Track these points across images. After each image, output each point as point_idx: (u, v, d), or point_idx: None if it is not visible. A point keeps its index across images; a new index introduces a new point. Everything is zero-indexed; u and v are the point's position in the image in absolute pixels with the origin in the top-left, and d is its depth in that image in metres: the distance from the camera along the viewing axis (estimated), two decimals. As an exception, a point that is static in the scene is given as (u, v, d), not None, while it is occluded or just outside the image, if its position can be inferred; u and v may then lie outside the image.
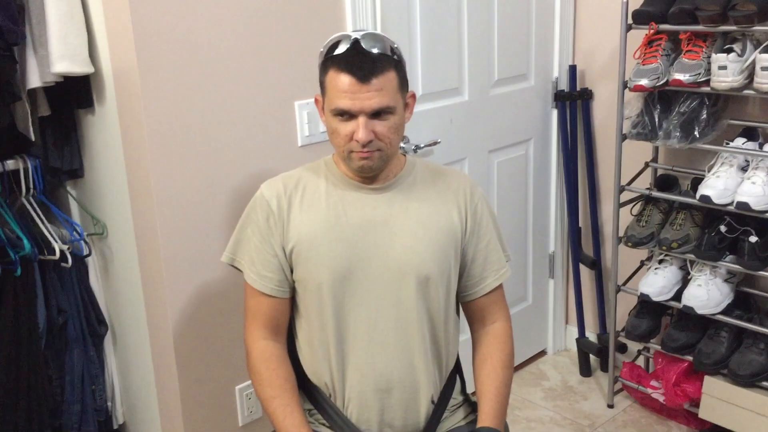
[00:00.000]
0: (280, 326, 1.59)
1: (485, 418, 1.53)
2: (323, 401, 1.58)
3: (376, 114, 1.43)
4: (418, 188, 1.59)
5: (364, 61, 1.41)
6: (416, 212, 1.56)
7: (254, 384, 1.57)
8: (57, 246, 1.97)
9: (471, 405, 1.66)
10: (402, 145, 2.32)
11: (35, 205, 2.00)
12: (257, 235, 1.56)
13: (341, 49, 1.43)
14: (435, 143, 2.43)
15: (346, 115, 1.43)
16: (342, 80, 1.41)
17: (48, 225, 2.01)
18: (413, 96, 1.54)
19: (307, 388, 1.60)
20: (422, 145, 2.38)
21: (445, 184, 1.61)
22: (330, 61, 1.44)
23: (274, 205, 1.55)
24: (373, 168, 1.49)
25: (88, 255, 2.09)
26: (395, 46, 1.47)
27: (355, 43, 1.43)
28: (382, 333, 1.54)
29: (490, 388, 1.57)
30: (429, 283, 1.54)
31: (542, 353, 3.14)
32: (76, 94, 1.94)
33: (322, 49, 1.48)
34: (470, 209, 1.60)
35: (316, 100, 1.54)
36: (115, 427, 2.24)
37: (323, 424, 1.59)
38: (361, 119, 1.42)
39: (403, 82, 1.48)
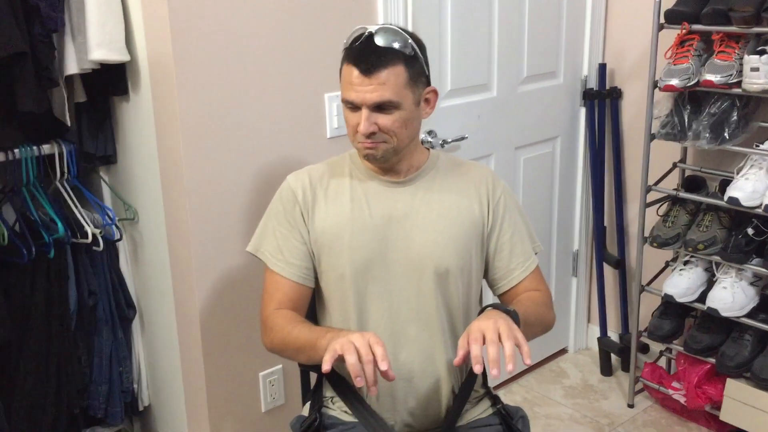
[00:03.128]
0: (298, 311, 1.58)
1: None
2: (345, 389, 1.60)
3: (380, 107, 1.45)
4: (441, 181, 1.60)
5: (370, 54, 1.44)
6: (438, 205, 1.57)
7: (272, 335, 1.53)
8: (89, 230, 2.02)
9: (492, 398, 1.67)
10: (429, 139, 2.34)
11: (69, 189, 2.04)
12: (284, 225, 1.58)
13: (357, 41, 1.46)
14: (462, 138, 2.44)
15: (353, 106, 1.47)
16: (350, 72, 1.45)
17: (81, 209, 2.05)
18: (434, 92, 1.55)
19: (329, 376, 1.63)
20: (449, 140, 2.40)
21: (467, 177, 1.62)
22: (345, 53, 1.48)
23: (299, 195, 1.58)
24: (377, 158, 1.51)
25: (119, 239, 2.14)
26: (410, 41, 1.47)
27: (368, 36, 1.45)
28: (403, 324, 1.56)
29: (520, 298, 1.58)
30: (448, 276, 1.55)
31: (563, 351, 3.14)
32: (111, 81, 1.98)
33: (345, 41, 1.51)
34: (492, 201, 1.61)
35: None
36: (141, 409, 2.28)
37: (345, 412, 1.61)
38: (364, 111, 1.45)
39: (416, 78, 1.48)
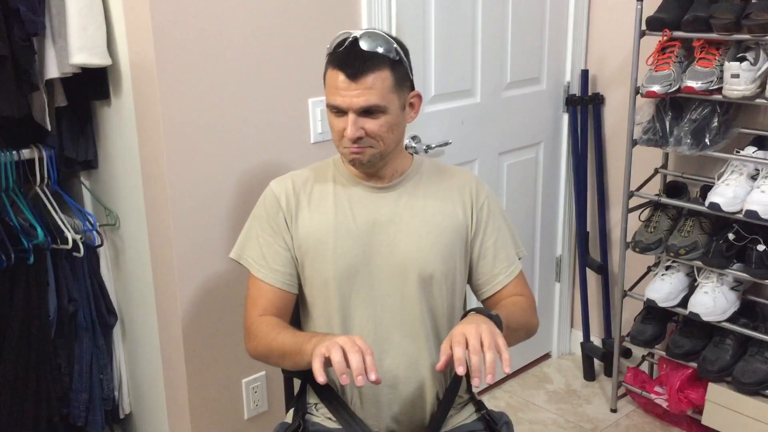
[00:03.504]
0: (282, 317, 1.57)
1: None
2: (330, 396, 1.59)
3: (367, 112, 1.45)
4: (425, 187, 1.60)
5: (356, 59, 1.43)
6: (422, 211, 1.57)
7: (256, 342, 1.52)
8: (70, 235, 1.99)
9: (477, 403, 1.67)
10: (413, 144, 2.34)
11: (49, 194, 2.02)
12: (268, 231, 1.57)
13: (341, 46, 1.46)
14: (446, 144, 2.44)
15: (339, 111, 1.46)
16: (335, 77, 1.45)
17: (61, 214, 2.03)
18: (418, 96, 1.55)
19: (314, 383, 1.61)
20: (433, 146, 2.40)
21: (451, 183, 1.63)
22: (329, 58, 1.48)
23: (283, 201, 1.57)
24: (364, 163, 1.51)
25: (100, 245, 2.11)
26: (395, 46, 1.47)
27: (353, 41, 1.45)
28: (388, 330, 1.56)
29: (504, 303, 1.58)
30: (432, 282, 1.55)
31: (547, 356, 3.15)
32: (93, 85, 1.96)
33: (328, 46, 1.50)
34: (476, 207, 1.61)
35: None
36: (122, 416, 2.26)
37: (329, 419, 1.60)
38: (351, 116, 1.45)
39: (402, 82, 1.49)
